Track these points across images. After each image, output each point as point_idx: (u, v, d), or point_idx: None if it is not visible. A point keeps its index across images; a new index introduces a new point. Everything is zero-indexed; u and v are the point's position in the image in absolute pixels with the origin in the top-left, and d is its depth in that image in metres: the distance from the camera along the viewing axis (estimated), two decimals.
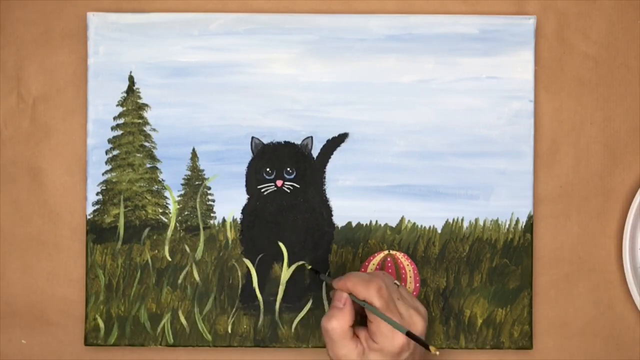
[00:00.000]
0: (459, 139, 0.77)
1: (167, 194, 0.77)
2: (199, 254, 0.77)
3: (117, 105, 0.77)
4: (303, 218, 0.77)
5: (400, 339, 0.65)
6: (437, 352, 0.62)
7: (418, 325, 0.67)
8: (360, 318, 0.69)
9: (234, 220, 0.77)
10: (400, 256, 0.77)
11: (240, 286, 0.77)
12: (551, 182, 0.78)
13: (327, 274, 0.77)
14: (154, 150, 0.77)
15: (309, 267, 0.76)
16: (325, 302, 0.77)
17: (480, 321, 0.77)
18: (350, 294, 0.67)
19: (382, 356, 0.66)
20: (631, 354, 0.78)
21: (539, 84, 0.78)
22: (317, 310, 0.77)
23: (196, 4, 0.78)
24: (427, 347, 0.62)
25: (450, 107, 0.77)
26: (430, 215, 0.77)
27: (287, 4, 0.78)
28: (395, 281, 0.69)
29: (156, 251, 0.77)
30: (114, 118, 0.77)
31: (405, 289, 0.70)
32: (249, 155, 0.77)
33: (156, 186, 0.77)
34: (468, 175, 0.77)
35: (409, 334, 0.64)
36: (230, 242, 0.77)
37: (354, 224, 0.77)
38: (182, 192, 0.77)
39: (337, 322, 0.66)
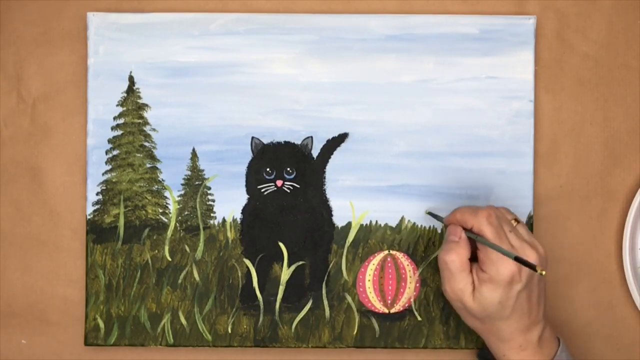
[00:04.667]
0: (459, 139, 0.77)
1: (167, 194, 0.77)
2: (199, 254, 0.77)
3: (117, 105, 0.77)
4: (303, 218, 0.77)
5: (508, 266, 0.65)
6: (544, 272, 0.63)
7: (530, 259, 0.66)
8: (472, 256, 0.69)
9: (234, 220, 0.77)
10: (400, 256, 0.77)
11: (240, 286, 0.77)
12: (551, 182, 0.78)
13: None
14: (154, 150, 0.77)
15: (427, 212, 0.76)
16: (326, 302, 0.77)
17: None
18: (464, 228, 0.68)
19: (493, 287, 0.66)
20: (631, 354, 0.78)
21: (539, 84, 0.78)
22: (317, 310, 0.77)
23: (196, 4, 0.78)
24: (534, 269, 0.63)
25: (450, 107, 0.77)
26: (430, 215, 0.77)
27: (287, 4, 0.78)
28: (515, 217, 0.69)
29: (156, 251, 0.77)
30: (114, 118, 0.77)
31: (525, 227, 0.69)
32: (249, 155, 0.77)
33: (156, 186, 0.77)
34: (468, 175, 0.77)
35: (517, 259, 0.63)
36: (230, 242, 0.77)
37: (354, 224, 0.77)
38: (182, 192, 0.77)
39: (456, 255, 0.67)
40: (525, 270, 0.66)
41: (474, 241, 0.68)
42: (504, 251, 0.65)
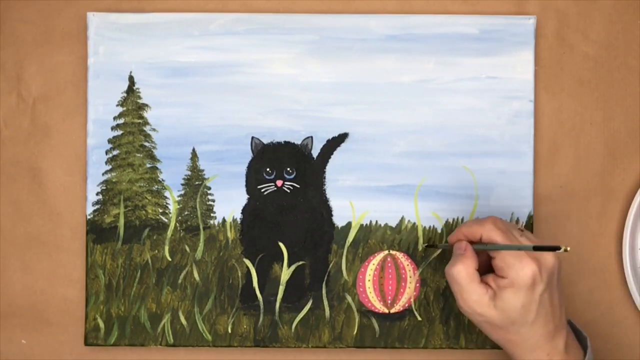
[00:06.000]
0: (459, 139, 0.77)
1: (167, 194, 0.77)
2: (199, 254, 0.77)
3: (117, 105, 0.77)
4: (303, 218, 0.77)
5: (528, 266, 0.63)
6: (568, 249, 0.60)
7: (547, 257, 0.64)
8: (484, 267, 0.68)
9: (234, 220, 0.77)
10: (400, 256, 0.77)
11: (240, 286, 0.77)
12: (551, 182, 0.78)
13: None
14: (154, 150, 0.77)
15: (424, 245, 0.76)
16: (326, 302, 0.77)
17: None
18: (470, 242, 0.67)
19: (515, 291, 0.64)
20: (631, 354, 0.78)
21: (539, 84, 0.78)
22: (317, 310, 0.77)
23: (196, 4, 0.78)
24: (557, 249, 0.60)
25: (450, 107, 0.77)
26: (430, 215, 0.77)
27: (287, 4, 0.78)
28: (520, 227, 0.69)
29: (156, 251, 0.77)
30: (114, 118, 0.77)
31: (531, 235, 0.68)
32: (249, 155, 0.77)
33: (156, 186, 0.77)
34: (468, 175, 0.77)
35: (536, 248, 0.62)
36: (230, 242, 0.77)
37: (354, 224, 0.77)
38: (182, 192, 0.77)
39: (462, 265, 0.65)
40: (545, 269, 0.64)
41: (485, 253, 0.67)
42: (521, 246, 0.63)
